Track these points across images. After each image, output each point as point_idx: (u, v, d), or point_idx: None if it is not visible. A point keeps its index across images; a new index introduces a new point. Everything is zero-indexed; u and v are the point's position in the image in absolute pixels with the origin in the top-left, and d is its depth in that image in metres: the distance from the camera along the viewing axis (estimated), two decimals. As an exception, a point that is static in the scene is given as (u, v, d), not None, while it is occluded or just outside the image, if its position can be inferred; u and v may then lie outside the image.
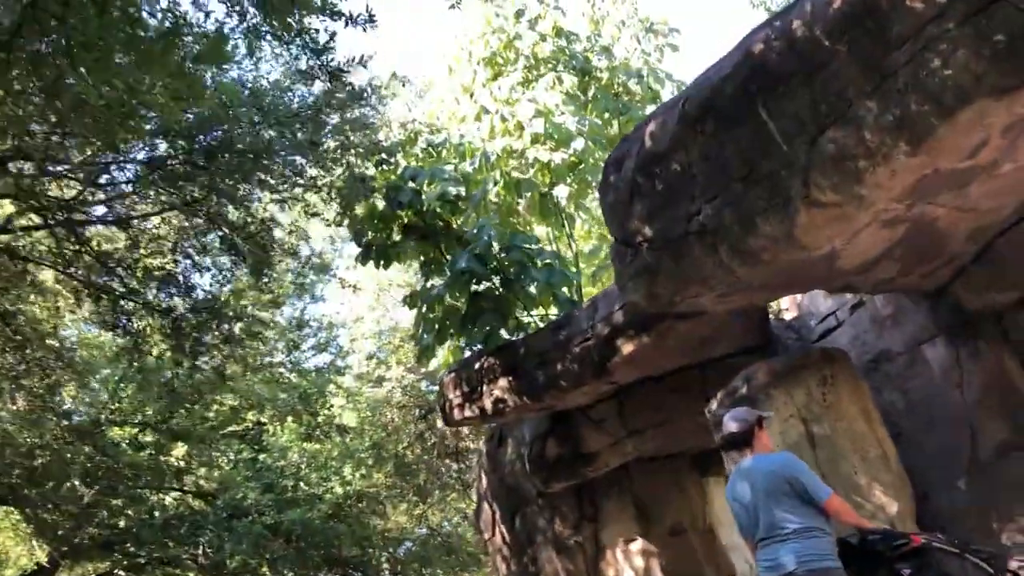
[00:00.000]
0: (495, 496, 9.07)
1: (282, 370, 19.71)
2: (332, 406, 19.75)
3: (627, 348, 6.17)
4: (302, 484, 15.29)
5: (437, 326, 7.68)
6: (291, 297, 20.13)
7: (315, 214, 8.82)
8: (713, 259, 4.63)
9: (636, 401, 7.17)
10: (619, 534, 7.82)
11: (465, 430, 22.02)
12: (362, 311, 18.18)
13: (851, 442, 4.93)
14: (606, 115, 8.79)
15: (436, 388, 21.85)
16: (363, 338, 17.97)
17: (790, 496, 3.79)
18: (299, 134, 7.12)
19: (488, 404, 7.19)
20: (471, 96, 8.86)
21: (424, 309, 9.06)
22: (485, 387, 7.22)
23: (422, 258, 9.25)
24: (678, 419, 7.01)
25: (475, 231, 7.11)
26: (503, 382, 7.06)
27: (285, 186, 8.82)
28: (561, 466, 7.71)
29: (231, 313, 9.30)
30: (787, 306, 7.28)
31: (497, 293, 7.20)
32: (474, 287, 7.34)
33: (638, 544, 7.67)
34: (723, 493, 4.48)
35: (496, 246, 7.18)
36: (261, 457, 15.61)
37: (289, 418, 16.02)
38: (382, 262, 9.26)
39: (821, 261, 4.61)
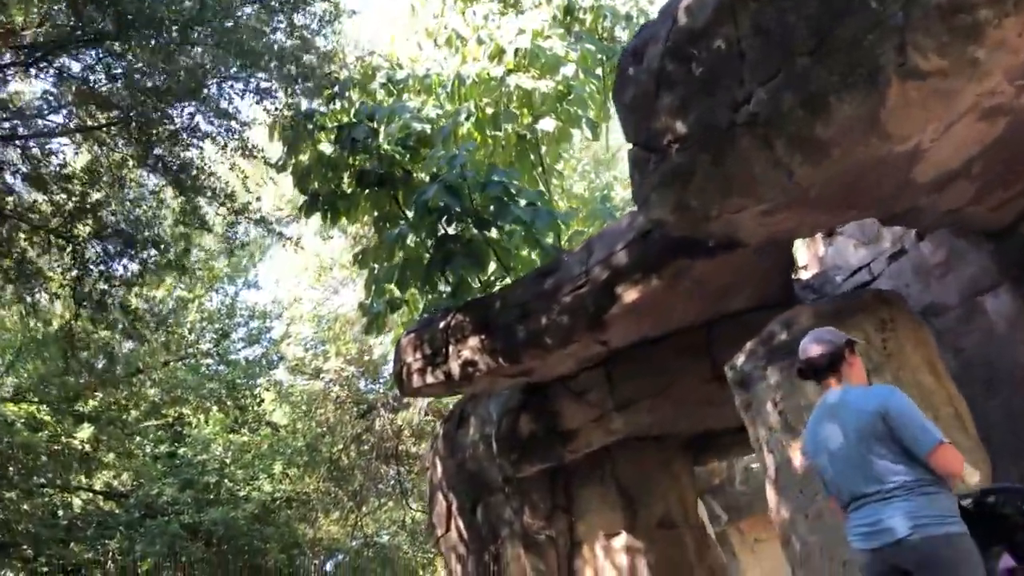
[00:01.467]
0: (452, 485, 8.01)
1: (208, 360, 18.33)
2: (263, 400, 18.40)
3: (630, 295, 5.23)
4: (226, 481, 13.94)
5: (396, 277, 6.62)
6: (221, 283, 18.78)
7: (251, 154, 7.66)
8: (766, 156, 3.73)
9: (628, 368, 6.23)
10: (599, 527, 6.85)
11: (407, 431, 20.86)
12: (301, 292, 16.87)
13: (919, 397, 4.04)
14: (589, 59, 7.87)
15: (376, 387, 20.72)
16: (300, 320, 16.65)
17: (894, 441, 2.86)
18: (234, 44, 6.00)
19: (455, 368, 6.16)
20: (442, 23, 7.83)
21: (376, 271, 8.02)
22: (452, 348, 6.19)
23: (376, 213, 8.19)
24: (678, 390, 6.10)
25: (445, 162, 6.07)
26: (474, 341, 6.05)
27: (218, 122, 7.66)
28: (534, 446, 6.72)
29: (147, 237, 7.84)
30: (806, 262, 6.44)
31: (469, 238, 6.19)
32: (443, 230, 6.32)
33: (622, 539, 6.71)
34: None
35: (469, 182, 6.17)
36: (181, 451, 14.22)
37: (214, 408, 14.68)
38: (329, 216, 8.18)
39: (900, 163, 3.75)
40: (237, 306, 19.23)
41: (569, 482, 7.16)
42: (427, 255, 6.45)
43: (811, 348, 3.16)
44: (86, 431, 11.91)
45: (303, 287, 16.58)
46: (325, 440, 19.12)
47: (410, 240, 6.51)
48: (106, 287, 7.58)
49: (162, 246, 7.89)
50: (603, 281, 5.31)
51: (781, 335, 4.47)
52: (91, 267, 7.48)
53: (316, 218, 8.42)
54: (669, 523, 6.87)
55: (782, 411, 4.36)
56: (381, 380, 19.64)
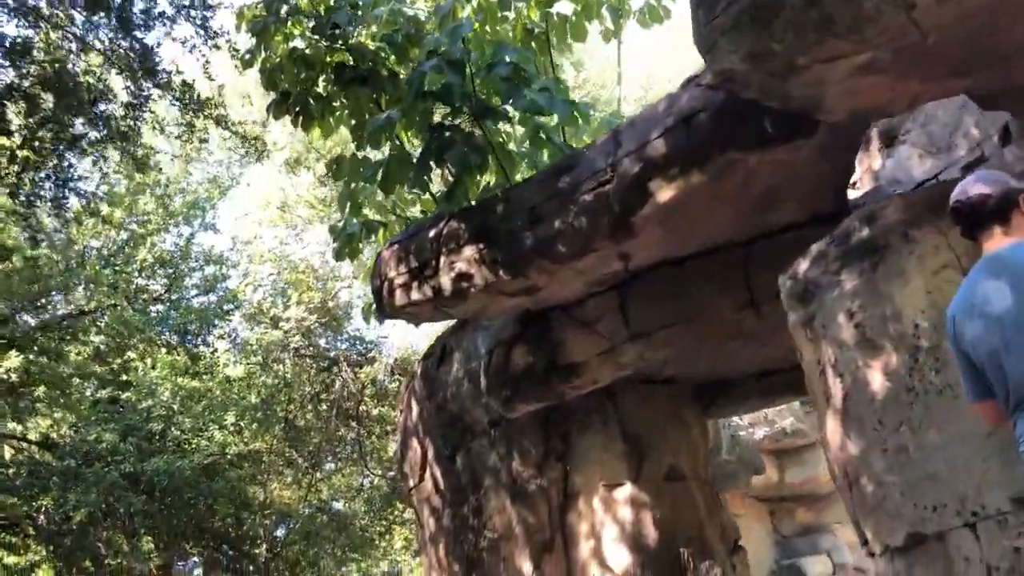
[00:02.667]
0: (429, 429, 7.22)
1: (159, 307, 17.28)
2: (216, 349, 17.41)
3: (664, 194, 4.45)
4: (173, 430, 12.97)
5: (381, 174, 5.75)
6: (175, 222, 17.66)
7: (214, 39, 6.70)
8: (882, -17, 2.95)
9: (646, 293, 5.48)
10: (599, 477, 6.12)
11: (368, 390, 20.01)
12: (261, 230, 15.85)
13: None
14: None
15: (338, 344, 19.79)
16: (260, 260, 15.64)
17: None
18: None
19: (446, 282, 5.35)
20: None
21: (352, 186, 7.15)
22: (443, 259, 5.37)
23: (355, 121, 7.29)
24: (703, 319, 5.35)
25: (445, 35, 5.19)
26: (470, 251, 5.24)
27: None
28: (530, 382, 5.94)
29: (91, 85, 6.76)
30: (857, 177, 5.70)
31: (469, 132, 5.34)
32: (438, 117, 5.47)
33: (625, 490, 6.00)
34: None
35: (473, 65, 5.31)
36: (124, 396, 13.22)
37: (163, 351, 13.69)
38: (301, 119, 7.26)
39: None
40: (192, 249, 18.17)
41: (565, 427, 6.42)
42: (418, 152, 5.59)
43: (973, 187, 2.41)
44: (14, 359, 10.88)
45: (264, 224, 15.57)
46: (281, 397, 18.22)
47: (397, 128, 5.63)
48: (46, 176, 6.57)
49: (107, 129, 6.87)
50: (633, 176, 4.52)
51: (861, 232, 3.72)
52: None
53: (284, 149, 7.55)
54: (678, 475, 6.17)
55: (859, 323, 3.61)
56: (343, 336, 18.77)
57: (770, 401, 6.70)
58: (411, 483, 7.49)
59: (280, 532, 24.72)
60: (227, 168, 18.94)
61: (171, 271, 17.41)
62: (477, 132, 5.28)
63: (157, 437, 12.69)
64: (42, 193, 6.62)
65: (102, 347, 16.78)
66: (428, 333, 15.47)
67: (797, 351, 4.25)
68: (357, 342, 18.78)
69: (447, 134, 5.17)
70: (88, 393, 13.47)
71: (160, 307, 17.30)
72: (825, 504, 17.25)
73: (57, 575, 14.96)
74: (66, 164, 6.74)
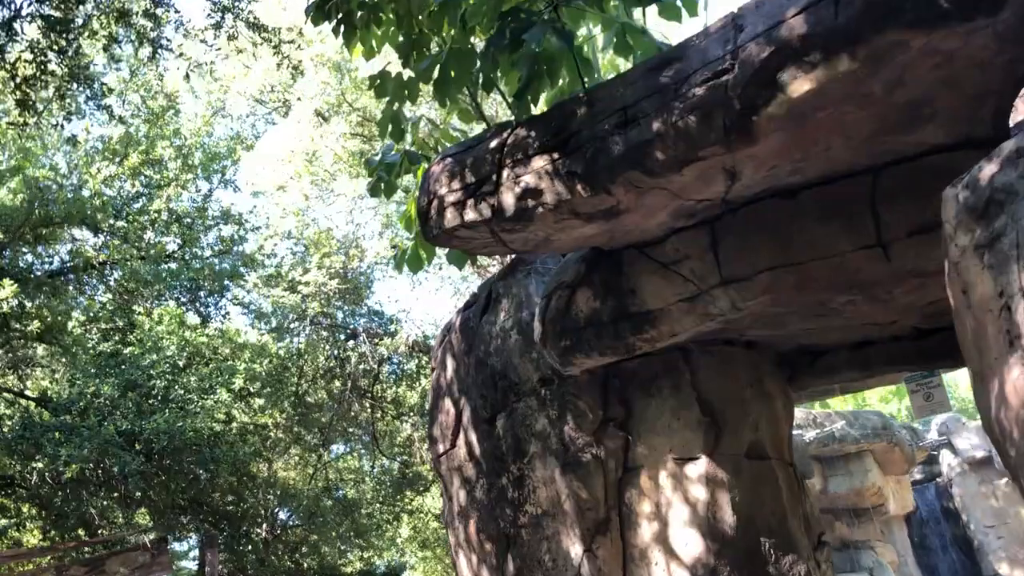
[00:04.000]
0: (466, 388, 6.44)
1: (171, 265, 16.59)
2: (228, 313, 16.71)
3: (799, 86, 3.63)
4: (176, 388, 12.25)
5: (437, 75, 4.96)
6: (196, 174, 16.95)
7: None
8: None
9: (744, 231, 4.67)
10: (667, 448, 5.31)
11: (385, 368, 19.25)
12: (285, 181, 15.09)
13: None
14: None
15: (358, 319, 19.02)
16: (284, 214, 14.89)
17: None
18: None
19: (508, 200, 4.55)
20: None
21: (396, 104, 6.37)
22: (507, 172, 4.58)
23: (402, 36, 6.51)
24: (815, 267, 4.52)
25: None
26: (541, 162, 4.44)
27: None
28: (595, 331, 5.14)
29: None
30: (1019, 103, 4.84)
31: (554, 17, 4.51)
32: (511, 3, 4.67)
33: (700, 466, 5.17)
34: None
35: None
36: (127, 350, 12.53)
37: (171, 303, 12.98)
38: (342, 29, 6.48)
39: None
40: (209, 206, 17.48)
41: (627, 390, 5.61)
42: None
43: None
44: (8, 288, 10.16)
45: (288, 178, 14.81)
46: (293, 369, 17.51)
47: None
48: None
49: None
50: (760, 63, 3.70)
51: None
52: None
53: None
54: (760, 453, 5.35)
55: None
56: (363, 310, 18.03)
57: (865, 375, 5.86)
58: (440, 449, 6.71)
59: (283, 515, 24.08)
60: (252, 126, 18.27)
61: (186, 228, 16.71)
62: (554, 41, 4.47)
63: (159, 395, 11.97)
64: (46, 88, 5.89)
65: (109, 306, 16.15)
66: (452, 311, 14.77)
67: (957, 288, 3.41)
68: (377, 316, 18.06)
69: (522, 16, 4.36)
70: (89, 346, 12.79)
71: (172, 264, 16.63)
72: (866, 519, 16.40)
73: (46, 538, 14.32)
74: (75, 50, 6.00)
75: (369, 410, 19.20)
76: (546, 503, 5.68)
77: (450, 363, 6.73)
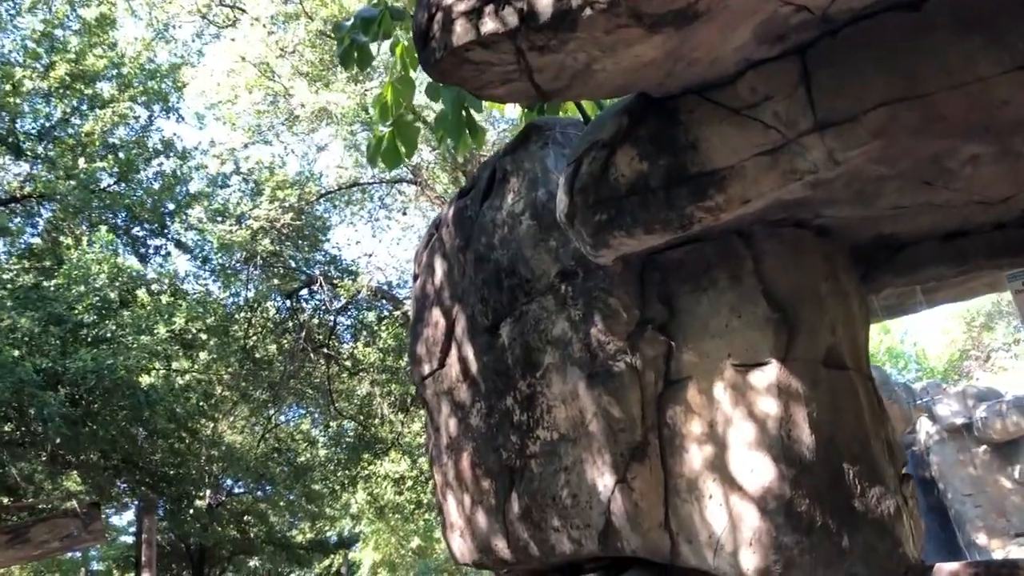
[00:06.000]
0: (461, 293, 5.32)
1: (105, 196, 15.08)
2: (169, 253, 15.29)
3: None
4: (109, 324, 10.88)
5: None
6: (134, 96, 15.38)
7: None
8: None
9: (849, 58, 3.59)
10: (726, 353, 4.25)
11: (343, 322, 18.01)
12: (236, 91, 13.63)
13: None
14: None
15: (313, 268, 17.65)
16: (232, 127, 13.46)
17: None
18: None
19: (542, 4, 3.39)
20: None
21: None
22: (543, -37, 3.41)
23: None
24: (946, 97, 3.45)
25: None
26: (590, -53, 3.28)
27: None
28: (641, 201, 4.05)
29: None
30: None
31: None
32: None
33: (769, 372, 4.12)
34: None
35: None
36: (52, 283, 11.11)
37: (103, 228, 11.56)
38: None
39: None
40: (150, 137, 15.97)
41: (672, 284, 4.54)
42: None
43: None
44: None
45: (240, 84, 13.35)
46: (241, 319, 16.18)
47: None
48: None
49: None
50: None
51: None
52: None
53: None
54: (838, 363, 4.32)
55: None
56: (320, 253, 16.72)
57: (958, 270, 4.86)
58: (425, 370, 5.59)
59: (229, 480, 22.78)
60: (198, 51, 16.70)
61: (123, 160, 15.18)
62: None
63: (88, 334, 10.60)
64: None
65: (34, 243, 14.66)
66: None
67: None
68: (335, 262, 16.76)
69: None
70: (7, 278, 11.33)
71: (107, 194, 15.11)
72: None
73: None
74: None
75: (324, 366, 17.95)
76: (565, 425, 4.60)
77: (439, 265, 5.60)
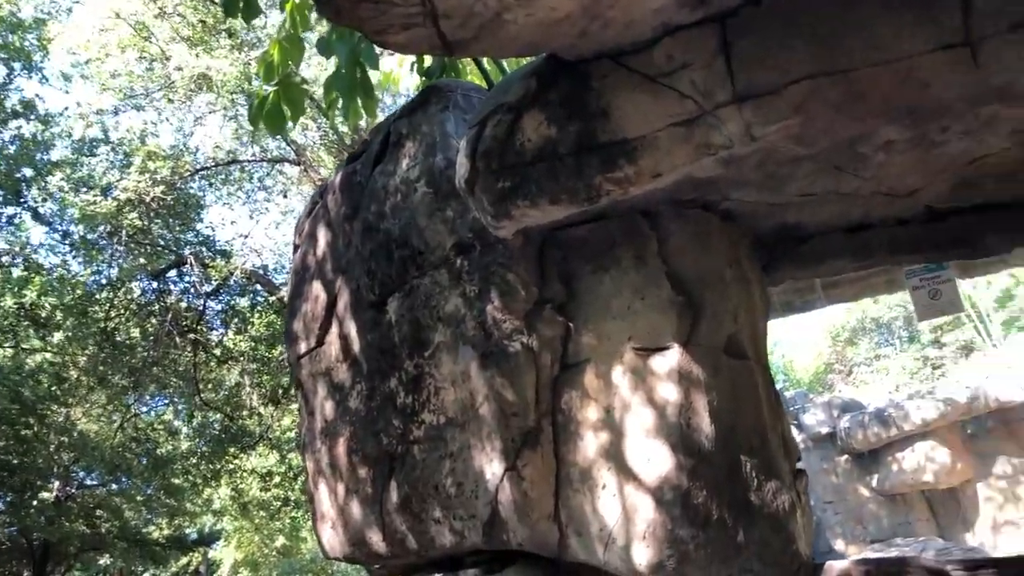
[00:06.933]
0: (345, 264, 4.95)
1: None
2: (22, 223, 14.12)
3: None
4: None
5: None
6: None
7: None
8: None
9: (772, 27, 3.44)
10: (627, 336, 4.04)
11: (213, 307, 17.12)
12: (113, 50, 12.63)
13: None
14: None
15: (189, 243, 16.66)
16: (103, 88, 12.51)
17: None
18: None
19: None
20: None
21: None
22: None
23: None
24: (871, 73, 3.34)
25: None
26: None
27: None
28: (550, 167, 3.80)
29: None
30: None
31: None
32: None
33: (671, 357, 3.94)
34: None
35: None
36: None
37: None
38: None
39: None
40: (7, 97, 14.74)
41: (573, 262, 4.31)
42: None
43: None
44: None
45: (112, 42, 12.41)
46: (101, 299, 15.14)
47: None
48: None
49: None
50: None
51: None
52: None
53: None
54: (739, 351, 4.19)
55: None
56: (192, 232, 15.83)
57: (860, 264, 4.83)
58: (302, 348, 5.18)
59: (81, 473, 21.39)
60: (68, 10, 15.50)
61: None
62: None
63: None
64: None
65: None
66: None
67: None
68: (208, 243, 15.89)
69: None
70: None
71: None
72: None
73: None
74: None
75: (191, 353, 16.99)
76: (453, 409, 4.29)
77: (323, 235, 5.20)
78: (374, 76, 5.99)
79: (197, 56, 11.69)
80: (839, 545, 19.74)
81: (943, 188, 4.22)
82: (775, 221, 4.62)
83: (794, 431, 21.49)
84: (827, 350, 32.72)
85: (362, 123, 9.14)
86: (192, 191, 15.13)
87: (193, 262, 14.37)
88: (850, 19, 3.34)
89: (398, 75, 6.77)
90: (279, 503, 20.07)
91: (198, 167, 14.08)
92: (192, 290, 15.69)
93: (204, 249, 15.35)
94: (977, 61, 3.19)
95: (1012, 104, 3.41)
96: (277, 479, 19.51)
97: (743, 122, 3.52)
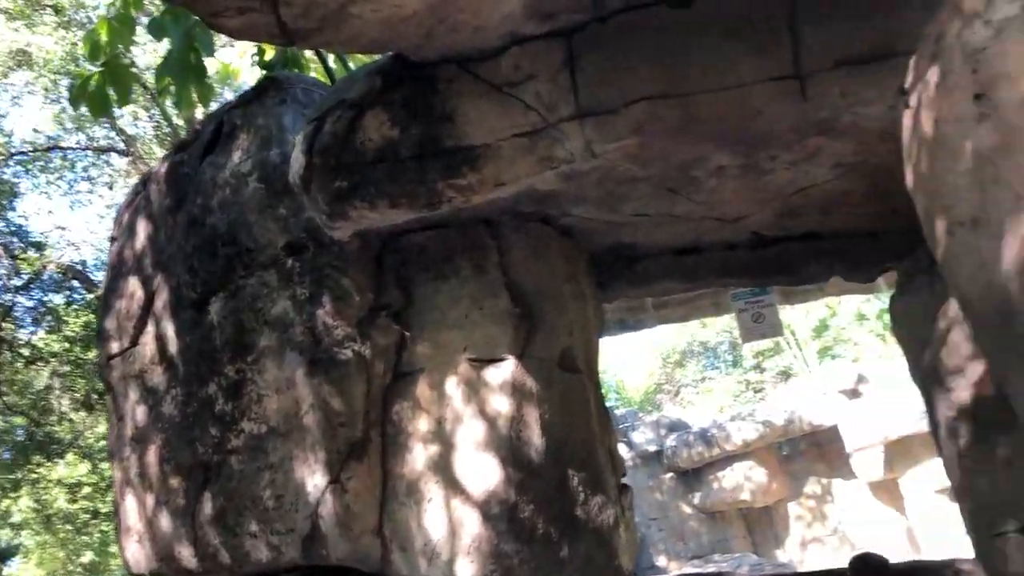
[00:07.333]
0: (166, 260, 4.64)
1: None
2: None
3: None
4: None
5: None
6: None
7: None
8: None
9: (617, 47, 3.51)
10: (462, 346, 3.99)
11: (23, 304, 15.82)
12: None
13: None
14: None
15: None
16: None
17: None
18: None
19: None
20: None
21: None
22: None
23: None
24: (708, 99, 3.45)
25: None
26: None
27: None
28: (391, 169, 3.71)
29: None
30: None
31: None
32: None
33: (504, 369, 3.92)
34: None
35: None
36: None
37: None
38: None
39: None
40: None
41: (411, 269, 4.22)
42: None
43: None
44: None
45: None
46: None
47: None
48: None
49: None
50: None
51: None
52: None
53: None
54: (571, 365, 4.22)
55: None
56: (3, 221, 14.59)
57: (689, 285, 4.99)
58: (114, 348, 4.83)
59: None
60: None
61: None
62: None
63: None
64: None
65: None
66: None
67: (959, 97, 2.48)
68: (20, 234, 14.67)
69: None
70: None
71: None
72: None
73: None
74: None
75: (-6, 351, 15.60)
76: (276, 418, 4.09)
77: (143, 227, 4.86)
78: (211, 65, 5.70)
79: (17, 31, 10.79)
80: (661, 561, 20.42)
81: (770, 216, 4.42)
82: (612, 239, 4.70)
83: (624, 448, 22.16)
84: (658, 371, 33.97)
85: (198, 114, 8.70)
86: (5, 176, 13.96)
87: (2, 253, 13.23)
88: (690, 45, 3.43)
89: (238, 67, 6.47)
90: (88, 516, 18.73)
91: (13, 151, 13.01)
92: (0, 284, 14.43)
93: (15, 240, 14.17)
94: (805, 94, 3.35)
95: (835, 138, 3.61)
96: (87, 490, 18.20)
97: (584, 138, 3.55)
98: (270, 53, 5.70)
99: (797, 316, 23.82)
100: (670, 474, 20.63)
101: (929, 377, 4.04)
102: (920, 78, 2.57)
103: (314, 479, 3.94)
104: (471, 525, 3.71)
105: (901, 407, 13.75)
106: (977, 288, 2.48)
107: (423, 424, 3.94)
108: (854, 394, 15.84)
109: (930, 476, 13.93)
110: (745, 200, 4.20)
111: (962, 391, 3.73)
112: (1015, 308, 2.29)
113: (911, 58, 2.59)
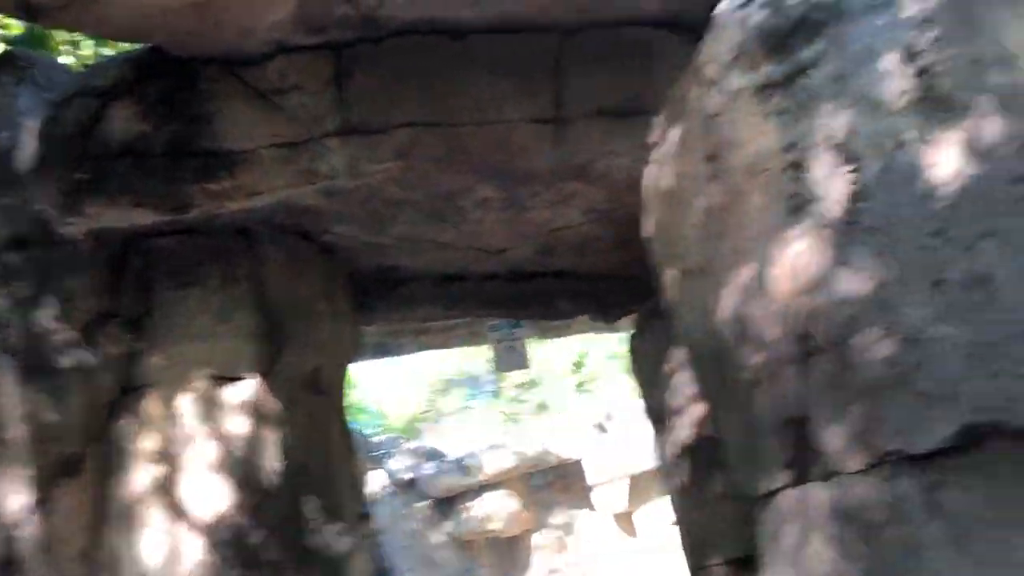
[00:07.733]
0: None
1: None
2: None
3: None
4: None
5: None
6: None
7: None
8: None
9: (386, 69, 3.52)
10: (204, 361, 3.79)
11: None
12: None
13: None
14: None
15: None
16: None
17: None
18: None
19: None
20: None
21: None
22: None
23: None
24: (470, 131, 3.54)
25: None
26: None
27: None
28: (139, 166, 3.48)
29: None
30: None
31: None
32: None
33: (246, 388, 3.76)
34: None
35: None
36: None
37: None
38: None
39: None
40: None
41: (154, 275, 3.95)
42: None
43: None
44: None
45: None
46: None
47: None
48: None
49: None
50: None
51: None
52: None
53: None
54: (319, 387, 4.12)
55: (929, 70, 2.21)
56: None
57: (450, 313, 5.04)
58: None
59: None
60: None
61: None
62: None
63: None
64: None
65: None
66: None
67: (693, 158, 2.71)
68: None
69: None
70: None
71: None
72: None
73: None
74: None
75: None
76: (-22, 428, 3.65)
77: None
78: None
79: None
80: (409, 589, 20.31)
81: (529, 251, 4.57)
82: (375, 261, 4.65)
83: (382, 475, 21.92)
84: (421, 398, 34.11)
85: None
86: None
87: None
88: (461, 77, 3.50)
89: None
90: None
91: None
92: None
93: None
94: (565, 138, 3.50)
95: (589, 183, 3.80)
96: None
97: (348, 156, 3.51)
98: (18, 31, 5.20)
99: (557, 351, 24.79)
100: (426, 502, 20.58)
101: (656, 416, 4.32)
102: (663, 136, 2.76)
103: (17, 498, 3.55)
104: (194, 551, 3.48)
105: (642, 443, 14.59)
106: (699, 332, 2.68)
107: (150, 443, 3.67)
108: (601, 429, 16.63)
109: (667, 510, 14.81)
110: (507, 234, 4.31)
111: (683, 430, 4.03)
112: (728, 353, 2.49)
113: (657, 116, 2.78)
